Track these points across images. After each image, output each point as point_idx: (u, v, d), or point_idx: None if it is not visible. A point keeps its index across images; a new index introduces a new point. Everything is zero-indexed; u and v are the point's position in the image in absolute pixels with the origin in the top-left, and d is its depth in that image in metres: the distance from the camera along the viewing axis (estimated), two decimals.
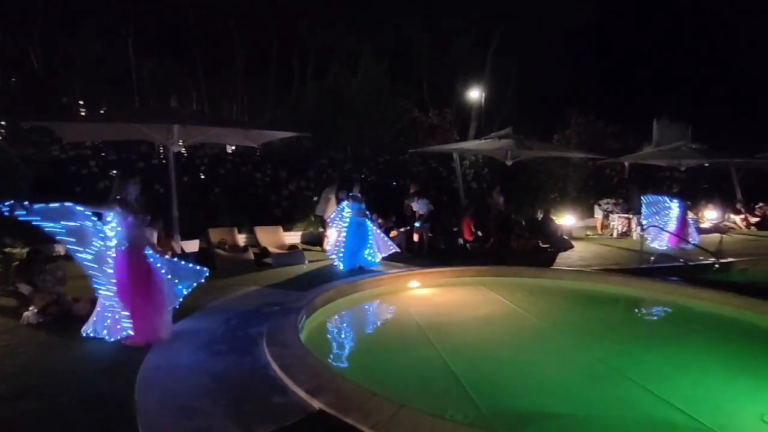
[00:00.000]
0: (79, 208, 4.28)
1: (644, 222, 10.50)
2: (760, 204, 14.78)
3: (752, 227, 13.99)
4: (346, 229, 7.97)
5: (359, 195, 8.09)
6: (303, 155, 12.21)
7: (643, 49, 23.51)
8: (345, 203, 8.22)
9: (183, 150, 10.43)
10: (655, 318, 6.69)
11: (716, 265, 8.25)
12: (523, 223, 11.48)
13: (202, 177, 11.25)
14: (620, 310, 6.99)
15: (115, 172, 9.75)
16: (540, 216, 11.68)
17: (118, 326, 4.41)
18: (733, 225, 13.87)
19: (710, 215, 14.02)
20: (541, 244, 10.27)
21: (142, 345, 4.35)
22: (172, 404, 3.31)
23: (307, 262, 8.67)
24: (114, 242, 4.47)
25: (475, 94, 20.79)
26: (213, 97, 19.84)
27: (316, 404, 3.19)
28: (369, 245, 8.08)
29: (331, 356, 4.90)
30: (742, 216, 14.27)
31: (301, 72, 20.58)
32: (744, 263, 8.65)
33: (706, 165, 14.52)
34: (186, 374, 3.83)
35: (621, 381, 4.16)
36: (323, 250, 9.33)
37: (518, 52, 21.12)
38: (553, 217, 11.74)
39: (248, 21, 19.23)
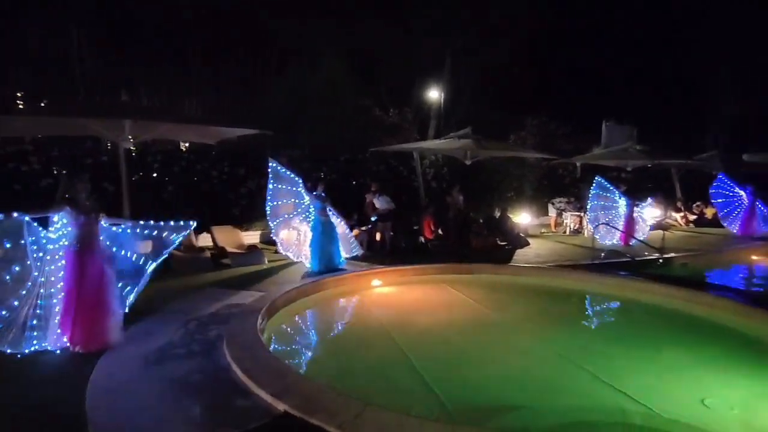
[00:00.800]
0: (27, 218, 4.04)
1: (589, 204, 10.97)
2: (698, 203, 15.81)
3: (691, 224, 14.95)
4: (311, 230, 7.86)
5: (323, 194, 8.00)
6: (262, 153, 11.96)
7: (593, 53, 24.62)
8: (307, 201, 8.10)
9: (132, 147, 9.97)
10: (607, 311, 7.03)
11: (660, 260, 8.76)
12: (482, 221, 11.76)
13: (155, 175, 10.80)
14: (575, 304, 7.29)
15: (59, 169, 9.18)
16: (498, 214, 11.99)
17: (59, 333, 4.21)
18: (674, 222, 14.75)
19: (653, 213, 14.86)
20: (499, 241, 10.57)
21: (92, 351, 4.14)
22: (127, 414, 3.16)
23: (266, 262, 8.51)
24: (61, 244, 4.24)
25: (434, 94, 21.03)
26: (167, 92, 19.06)
27: (281, 406, 3.14)
28: (337, 246, 7.96)
29: (295, 357, 4.84)
30: (682, 214, 15.22)
31: (262, 69, 20.16)
32: (685, 258, 9.24)
33: (650, 166, 15.37)
34: (141, 381, 3.67)
35: (577, 372, 4.35)
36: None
37: (476, 54, 21.59)
38: (510, 216, 12.08)
39: (207, 14, 18.61)
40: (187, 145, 12.24)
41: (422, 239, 10.55)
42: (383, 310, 6.40)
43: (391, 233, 10.48)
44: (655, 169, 16.28)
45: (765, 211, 12.68)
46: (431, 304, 6.79)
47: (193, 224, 4.96)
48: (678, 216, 15.12)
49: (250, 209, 11.32)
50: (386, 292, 7.20)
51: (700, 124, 23.99)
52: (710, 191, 13.47)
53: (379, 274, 7.51)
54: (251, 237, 10.65)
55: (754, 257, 10.41)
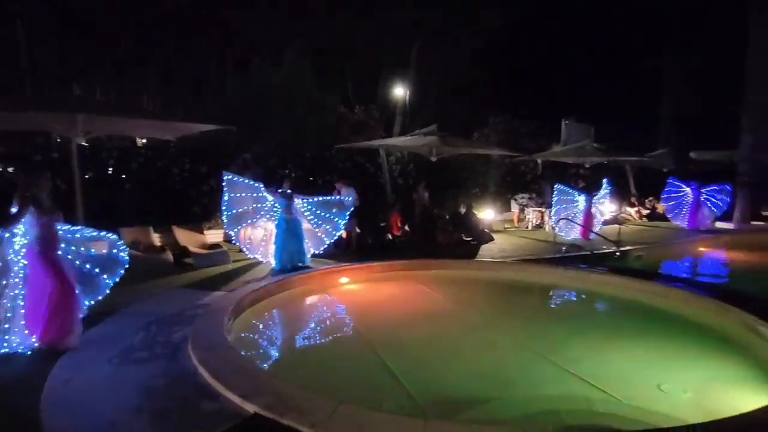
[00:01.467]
0: None
1: (554, 209, 11.35)
2: (650, 198, 16.60)
3: (644, 218, 15.68)
4: (276, 227, 7.72)
5: (288, 191, 7.88)
6: (225, 149, 11.67)
7: (555, 54, 25.45)
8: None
9: (85, 143, 9.51)
10: (570, 303, 7.26)
11: (617, 253, 9.15)
12: (447, 217, 11.91)
13: (111, 171, 10.35)
14: (539, 297, 7.51)
15: (4, 166, 8.64)
16: (463, 210, 12.16)
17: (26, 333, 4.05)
18: (628, 217, 15.41)
19: (609, 208, 15.49)
20: (464, 237, 10.72)
21: (58, 349, 4.03)
22: (86, 422, 3.01)
23: (231, 261, 8.31)
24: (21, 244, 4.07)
25: (400, 91, 21.13)
26: (123, 85, 18.23)
27: (251, 408, 3.07)
28: (303, 244, 7.85)
29: (263, 357, 4.75)
30: (636, 208, 15.94)
31: (222, 63, 19.63)
32: (639, 251, 9.68)
33: (606, 162, 16.00)
34: (101, 387, 3.50)
35: (542, 363, 4.48)
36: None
37: (441, 53, 21.84)
38: (475, 212, 12.29)
39: (166, 6, 17.91)
40: (144, 140, 11.79)
41: (389, 236, 10.58)
42: (352, 307, 6.39)
43: (358, 230, 10.46)
44: (611, 165, 16.95)
45: (710, 205, 13.44)
46: (399, 300, 6.82)
47: (111, 236, 4.73)
48: (632, 210, 15.81)
49: (212, 207, 11.04)
50: (354, 289, 7.18)
51: (653, 123, 25.17)
52: (662, 195, 14.12)
53: (346, 271, 7.48)
54: (214, 236, 10.37)
55: (701, 249, 11.06)
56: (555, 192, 11.32)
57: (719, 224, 13.58)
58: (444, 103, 22.14)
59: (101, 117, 7.39)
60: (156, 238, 8.95)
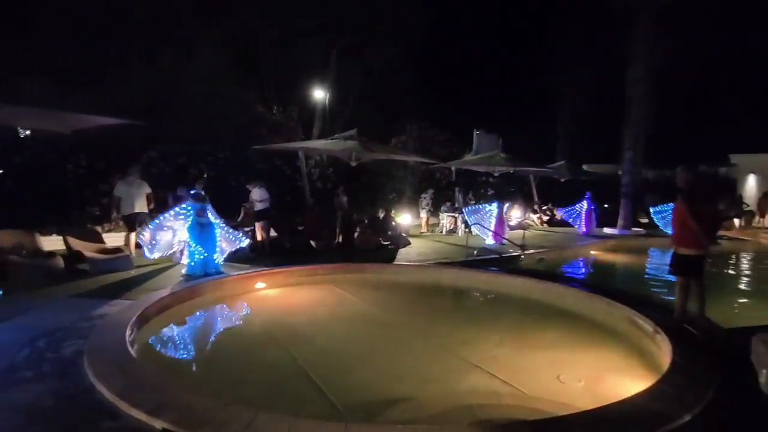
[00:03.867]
0: None
1: (470, 220, 12.05)
2: (549, 205, 18.14)
3: (545, 224, 17.10)
4: (188, 230, 7.27)
5: (202, 192, 7.45)
6: (129, 146, 10.77)
7: (465, 64, 26.99)
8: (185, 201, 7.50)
9: None
10: (480, 303, 7.68)
11: (522, 256, 9.86)
12: (366, 221, 12.05)
13: None
14: (452, 298, 7.86)
15: None
16: (381, 215, 12.38)
17: None
18: (531, 222, 16.70)
19: (515, 214, 16.67)
20: (382, 241, 10.92)
21: None
22: None
23: (135, 266, 7.68)
24: None
25: (319, 94, 20.97)
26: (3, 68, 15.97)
27: (159, 424, 2.87)
28: (216, 248, 7.46)
29: (173, 370, 4.45)
30: (538, 215, 17.32)
31: (124, 52, 18.04)
32: (541, 254, 10.53)
33: (512, 171, 17.20)
34: None
35: (455, 361, 4.70)
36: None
37: (359, 59, 22.05)
38: (393, 216, 12.56)
39: None
40: (28, 132, 10.50)
41: (307, 240, 10.44)
42: (269, 313, 6.21)
43: (274, 234, 10.19)
44: (517, 175, 18.24)
45: (598, 212, 15.13)
46: (317, 305, 6.77)
47: None
48: (535, 217, 17.15)
49: (112, 208, 10.12)
50: (271, 295, 6.99)
51: (552, 136, 27.56)
52: (562, 213, 15.69)
53: (262, 276, 7.26)
54: (115, 239, 9.51)
55: (592, 251, 12.31)
56: (467, 210, 12.10)
57: (606, 230, 15.22)
58: (363, 109, 22.36)
59: None
60: (44, 243, 7.99)
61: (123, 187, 8.48)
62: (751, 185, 21.64)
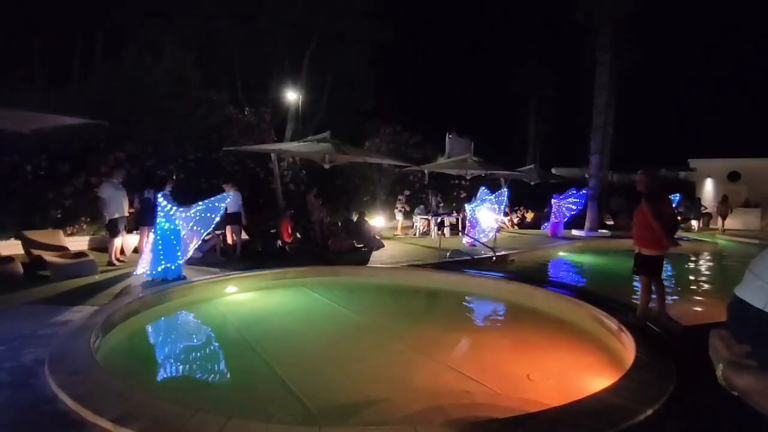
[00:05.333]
0: None
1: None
2: (520, 208, 18.52)
3: (515, 226, 17.44)
4: (154, 233, 7.07)
5: (168, 194, 7.28)
6: (93, 147, 10.41)
7: (437, 70, 27.40)
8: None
9: None
10: (452, 304, 7.75)
11: (494, 258, 10.03)
12: (339, 224, 12.01)
13: None
14: (425, 300, 7.91)
15: None
16: (355, 218, 12.37)
17: None
18: (503, 225, 17.00)
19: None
20: (356, 244, 10.90)
21: None
22: None
23: (99, 271, 7.42)
24: None
25: (292, 96, 20.83)
26: None
27: None
28: (178, 252, 7.26)
29: (141, 377, 4.32)
30: (509, 217, 17.65)
31: (86, 51, 17.47)
32: (512, 255, 10.74)
33: (484, 175, 17.48)
34: None
35: (427, 361, 4.75)
36: (118, 260, 8.22)
37: (331, 62, 22.05)
38: (367, 219, 12.56)
39: None
40: None
41: (280, 243, 10.34)
42: (239, 318, 6.11)
43: (246, 237, 10.04)
44: (488, 177, 18.54)
45: (567, 213, 15.54)
46: (290, 308, 6.72)
47: None
48: (506, 219, 17.46)
49: (75, 211, 9.78)
50: (241, 299, 6.88)
51: (523, 140, 28.20)
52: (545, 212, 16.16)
53: (233, 280, 7.15)
54: (78, 243, 9.20)
55: (560, 253, 12.63)
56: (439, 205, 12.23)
57: (574, 232, 15.65)
58: (335, 111, 22.34)
59: None
60: (1, 247, 7.64)
61: (111, 189, 8.21)
62: (708, 189, 22.68)
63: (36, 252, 7.57)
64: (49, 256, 7.43)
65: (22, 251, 7.75)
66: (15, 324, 4.82)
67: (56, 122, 7.95)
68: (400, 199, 14.89)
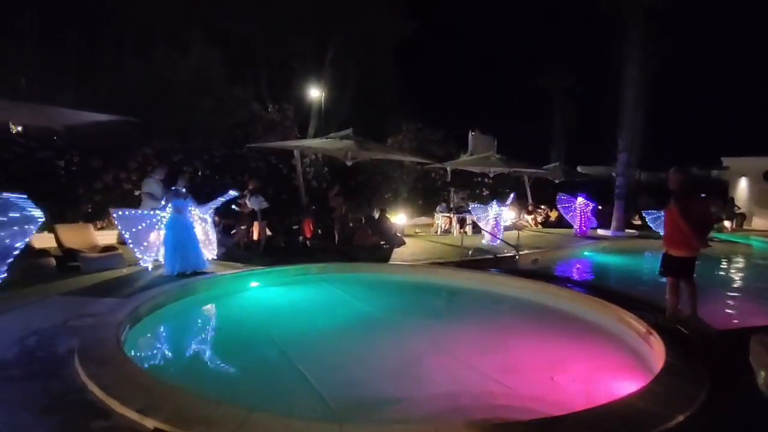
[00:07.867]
0: None
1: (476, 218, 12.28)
2: (543, 206, 18.20)
3: (539, 225, 17.16)
4: (166, 228, 7.17)
5: (182, 189, 7.37)
6: (122, 143, 10.67)
7: (461, 66, 27.17)
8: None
9: None
10: (474, 303, 7.66)
11: (517, 256, 9.88)
12: (363, 220, 12.02)
13: None
14: (447, 298, 7.84)
15: None
16: (377, 215, 12.35)
17: None
18: (526, 223, 16.75)
19: (510, 215, 16.71)
20: (377, 241, 10.89)
21: None
22: None
23: (127, 265, 7.61)
24: None
25: (315, 93, 20.93)
26: None
27: (150, 423, 2.84)
28: (197, 245, 7.36)
29: (165, 369, 4.41)
30: (533, 216, 17.37)
31: (116, 48, 17.91)
32: (535, 254, 10.56)
33: (508, 173, 17.25)
34: None
35: (449, 360, 4.69)
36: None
37: (354, 58, 22.05)
38: (388, 216, 12.54)
39: None
40: (20, 128, 10.40)
41: (302, 239, 10.41)
42: (262, 312, 6.18)
43: (269, 233, 10.14)
44: (512, 176, 18.29)
45: (593, 212, 15.22)
46: (312, 304, 6.76)
47: None
48: (529, 218, 17.19)
49: (105, 205, 10.04)
50: (265, 294, 6.95)
51: (548, 137, 27.69)
52: (557, 204, 15.84)
53: (256, 275, 7.23)
54: (107, 237, 9.44)
55: (586, 252, 12.36)
56: (473, 207, 12.18)
57: (600, 231, 15.30)
58: (359, 107, 22.35)
59: None
60: (35, 239, 7.89)
61: (154, 185, 8.42)
62: (743, 188, 21.82)
63: (68, 245, 7.82)
64: (80, 249, 7.66)
65: (54, 244, 8.01)
66: (48, 314, 4.98)
67: (87, 118, 8.19)
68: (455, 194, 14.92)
